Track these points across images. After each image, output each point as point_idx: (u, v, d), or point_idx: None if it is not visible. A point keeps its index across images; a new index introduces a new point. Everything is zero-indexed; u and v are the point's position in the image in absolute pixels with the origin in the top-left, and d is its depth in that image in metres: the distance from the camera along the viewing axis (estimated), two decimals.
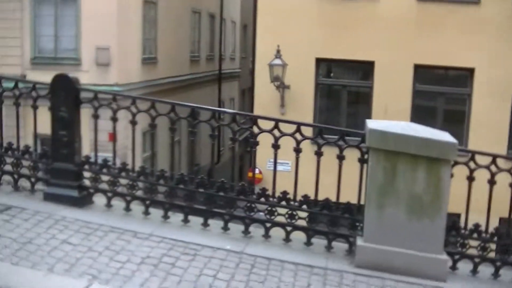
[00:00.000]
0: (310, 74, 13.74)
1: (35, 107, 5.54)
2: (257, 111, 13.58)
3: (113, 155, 5.56)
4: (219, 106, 22.76)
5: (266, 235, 5.13)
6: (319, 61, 13.82)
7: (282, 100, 13.81)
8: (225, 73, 25.15)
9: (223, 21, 24.85)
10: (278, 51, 13.20)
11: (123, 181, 5.45)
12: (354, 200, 5.03)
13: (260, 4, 13.93)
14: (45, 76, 13.69)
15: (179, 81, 18.95)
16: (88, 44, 14.73)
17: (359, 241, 4.81)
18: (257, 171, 13.65)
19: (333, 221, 5.07)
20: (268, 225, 5.13)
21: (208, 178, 5.29)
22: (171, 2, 18.35)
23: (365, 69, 13.86)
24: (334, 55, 13.70)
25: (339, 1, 13.60)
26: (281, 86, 13.61)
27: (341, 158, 4.98)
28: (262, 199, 5.16)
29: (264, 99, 13.85)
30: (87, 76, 14.36)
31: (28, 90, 5.64)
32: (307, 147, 5.11)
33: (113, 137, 5.60)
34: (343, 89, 14.20)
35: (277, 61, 13.33)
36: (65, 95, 5.36)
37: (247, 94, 28.83)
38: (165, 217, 5.27)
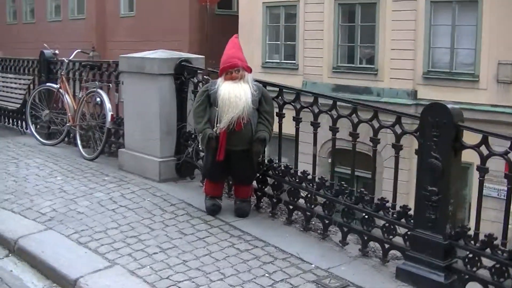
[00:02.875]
0: None
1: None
2: None
3: (504, 226, 3.83)
4: None
5: None
6: None
7: None
8: None
9: None
10: None
11: None
12: None
13: None
14: (438, 93, 12.34)
15: None
16: (488, 58, 12.86)
17: None
18: None
19: None
20: None
21: None
22: None
23: None
24: None
25: None
26: None
27: None
28: None
29: None
30: (485, 95, 12.68)
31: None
32: None
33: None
34: None
35: None
36: (440, 134, 3.87)
37: None
38: None
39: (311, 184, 4.82)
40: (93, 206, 5.38)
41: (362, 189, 4.47)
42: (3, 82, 9.20)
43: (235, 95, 4.78)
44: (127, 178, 6.12)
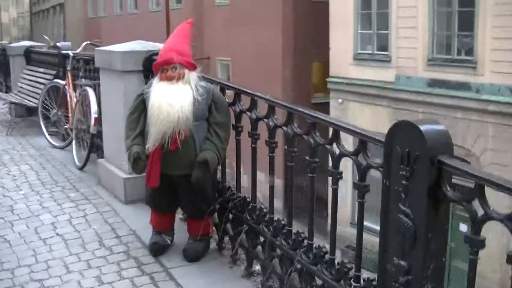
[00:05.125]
0: None
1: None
2: None
3: None
4: None
5: None
6: None
7: None
8: None
9: None
10: None
11: None
12: None
13: None
14: None
15: None
16: None
17: None
18: None
19: None
20: None
21: None
22: None
23: None
24: None
25: None
26: None
27: None
28: None
29: None
30: None
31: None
32: None
33: None
34: None
35: None
36: (411, 175, 2.29)
37: None
38: None
39: (267, 227, 3.38)
40: (26, 233, 4.27)
41: (321, 245, 2.97)
42: (31, 75, 8.40)
43: (167, 102, 3.42)
44: (93, 197, 4.97)
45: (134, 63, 4.59)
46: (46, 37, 7.42)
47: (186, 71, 3.51)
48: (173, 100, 3.41)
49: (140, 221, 4.38)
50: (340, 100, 16.45)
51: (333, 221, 2.95)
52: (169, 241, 3.90)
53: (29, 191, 5.19)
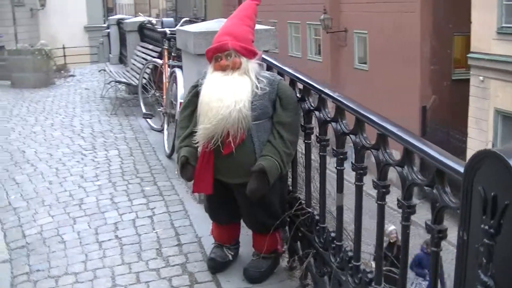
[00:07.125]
0: None
1: None
2: None
3: None
4: None
5: None
6: None
7: None
8: None
9: None
10: None
11: None
12: None
13: None
14: None
15: None
16: None
17: None
18: None
19: None
20: None
21: None
22: None
23: None
24: None
25: None
26: None
27: None
28: None
29: None
30: None
31: None
32: None
33: None
34: None
35: None
36: (497, 232, 1.56)
37: None
38: None
39: (334, 256, 2.74)
40: (85, 233, 3.96)
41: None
42: (142, 52, 8.22)
43: (217, 97, 2.87)
44: (169, 192, 4.58)
45: (207, 46, 4.07)
46: (141, 14, 7.14)
47: (244, 59, 2.93)
48: (225, 94, 2.85)
49: (209, 225, 3.91)
50: (481, 78, 14.99)
51: (404, 264, 2.26)
52: (230, 256, 3.38)
53: (105, 182, 4.91)
